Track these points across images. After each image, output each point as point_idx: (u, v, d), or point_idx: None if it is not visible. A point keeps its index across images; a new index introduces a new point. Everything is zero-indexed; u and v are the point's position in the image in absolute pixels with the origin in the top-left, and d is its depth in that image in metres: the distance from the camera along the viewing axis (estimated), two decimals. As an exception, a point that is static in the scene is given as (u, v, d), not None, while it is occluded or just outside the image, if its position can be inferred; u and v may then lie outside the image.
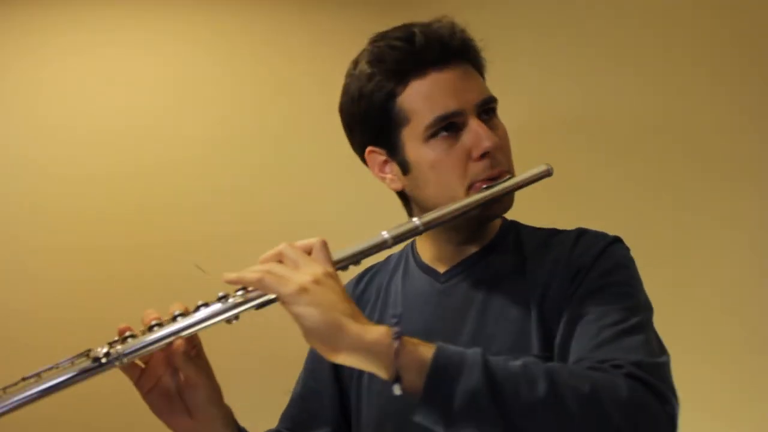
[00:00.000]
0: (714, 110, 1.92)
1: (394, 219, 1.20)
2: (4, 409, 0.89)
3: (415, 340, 0.82)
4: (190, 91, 1.94)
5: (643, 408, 0.82)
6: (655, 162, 1.92)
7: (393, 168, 1.06)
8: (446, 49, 1.02)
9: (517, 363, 0.83)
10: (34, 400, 0.87)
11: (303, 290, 0.81)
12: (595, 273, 0.97)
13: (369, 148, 1.08)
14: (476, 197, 0.99)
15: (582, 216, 1.83)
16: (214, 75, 1.96)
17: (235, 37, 1.98)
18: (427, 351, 0.81)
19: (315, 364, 1.15)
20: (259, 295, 0.85)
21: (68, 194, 1.85)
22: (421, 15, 1.94)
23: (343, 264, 0.91)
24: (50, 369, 0.87)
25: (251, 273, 0.85)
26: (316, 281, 0.82)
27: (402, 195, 1.11)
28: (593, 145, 1.94)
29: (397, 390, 0.80)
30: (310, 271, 0.83)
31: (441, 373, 0.79)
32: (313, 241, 0.88)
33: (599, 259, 0.98)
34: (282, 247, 0.87)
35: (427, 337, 0.85)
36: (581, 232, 1.04)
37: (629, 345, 0.88)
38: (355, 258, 0.92)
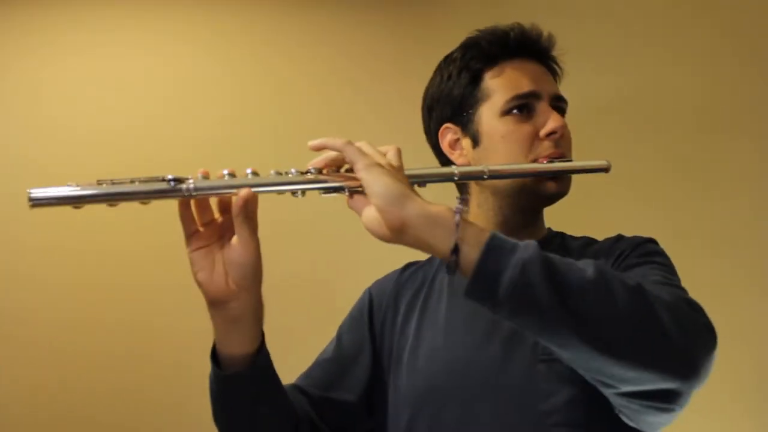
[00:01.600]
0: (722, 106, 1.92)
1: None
2: (65, 194, 0.89)
3: (476, 223, 0.87)
4: (190, 91, 1.94)
5: (686, 313, 0.84)
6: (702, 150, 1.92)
7: (463, 143, 1.15)
8: (535, 45, 1.16)
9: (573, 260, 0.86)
10: (97, 201, 0.87)
11: (378, 164, 0.87)
12: (635, 253, 1.03)
13: (445, 125, 1.17)
14: (538, 165, 1.09)
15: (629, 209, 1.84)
16: (214, 75, 1.96)
17: (235, 36, 1.99)
18: (486, 231, 0.84)
19: (353, 335, 1.18)
20: (330, 180, 0.92)
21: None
22: (425, 16, 1.96)
23: (411, 179, 0.93)
24: (124, 182, 0.87)
25: (336, 140, 0.91)
26: (390, 165, 0.89)
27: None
28: (643, 137, 1.94)
29: (450, 267, 0.82)
30: (384, 159, 0.90)
31: (497, 248, 0.82)
32: (390, 146, 0.93)
33: (638, 247, 1.05)
34: (362, 142, 0.92)
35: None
36: (620, 236, 1.12)
37: (672, 290, 0.90)
38: (422, 179, 0.97)
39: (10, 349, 1.78)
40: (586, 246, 1.11)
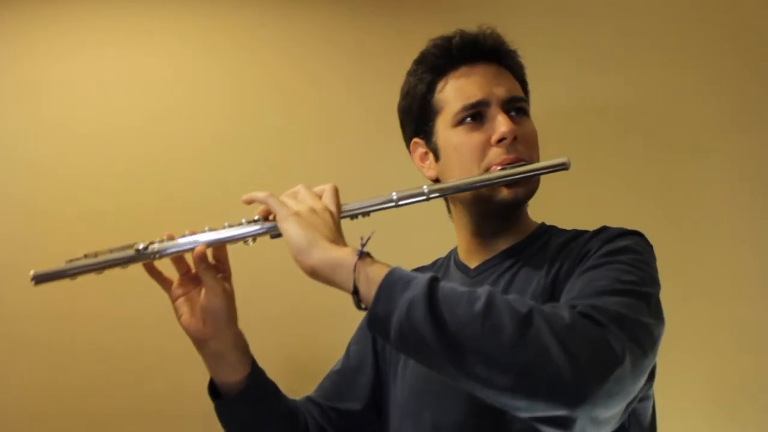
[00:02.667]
0: (713, 109, 1.92)
1: (394, 218, 1.22)
2: (62, 274, 1.04)
3: (377, 261, 0.91)
4: (190, 90, 1.94)
5: (581, 336, 0.81)
6: (655, 162, 1.92)
7: (429, 157, 1.17)
8: (478, 48, 1.15)
9: (472, 289, 0.86)
10: (87, 272, 1.03)
11: (296, 214, 0.96)
12: (599, 253, 1.01)
13: (414, 140, 1.20)
14: (485, 176, 1.08)
15: (596, 211, 1.85)
16: (214, 75, 1.96)
17: (237, 36, 1.98)
18: (383, 269, 0.89)
19: (359, 346, 1.25)
20: (271, 225, 1.01)
21: (69, 194, 1.85)
22: (424, 17, 1.96)
23: (350, 213, 1.04)
24: (104, 252, 1.04)
25: (261, 194, 1.02)
26: (312, 210, 0.97)
27: (436, 183, 1.18)
28: (610, 139, 1.94)
29: (354, 302, 0.89)
30: (310, 203, 0.98)
31: (390, 287, 0.86)
32: (326, 185, 1.03)
33: (607, 243, 1.02)
34: (298, 186, 1.02)
35: None
36: (603, 228, 1.09)
37: (604, 300, 0.88)
38: (362, 209, 1.04)
39: (10, 349, 1.78)
40: (566, 243, 1.09)
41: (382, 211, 1.06)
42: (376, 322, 0.86)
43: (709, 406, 1.81)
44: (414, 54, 1.21)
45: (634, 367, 0.84)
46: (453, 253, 1.24)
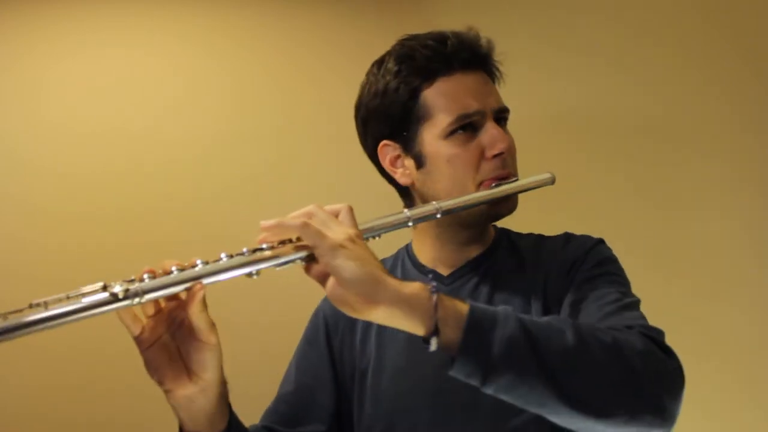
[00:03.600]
0: (712, 110, 1.92)
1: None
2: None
3: (448, 296, 0.83)
4: (190, 90, 1.94)
5: (658, 359, 0.86)
6: (653, 163, 1.92)
7: (405, 163, 1.11)
8: (475, 54, 1.09)
9: (543, 319, 0.87)
10: (35, 328, 0.81)
11: (340, 245, 0.81)
12: (588, 264, 1.04)
13: (383, 142, 1.13)
14: (489, 192, 1.06)
15: (578, 218, 1.85)
16: (214, 75, 1.96)
17: (236, 36, 1.98)
18: (463, 306, 0.82)
19: (311, 361, 1.16)
20: (285, 254, 0.84)
21: (69, 194, 1.84)
22: (423, 19, 1.96)
23: (366, 234, 0.91)
24: (56, 300, 0.79)
25: (293, 219, 0.84)
26: (351, 239, 0.83)
27: (405, 191, 1.15)
28: (590, 147, 1.94)
29: (434, 344, 0.80)
30: (342, 230, 0.84)
31: (478, 325, 0.81)
32: (340, 206, 0.89)
33: (590, 253, 1.06)
34: (311, 207, 0.86)
35: None
36: (569, 235, 1.12)
37: (631, 316, 0.95)
38: (378, 231, 0.94)
39: (10, 349, 1.77)
40: (535, 245, 1.11)
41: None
42: (468, 363, 0.80)
43: (709, 407, 1.81)
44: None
45: (683, 369, 0.91)
46: (404, 256, 1.20)
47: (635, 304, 0.99)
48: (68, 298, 0.77)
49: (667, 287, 1.82)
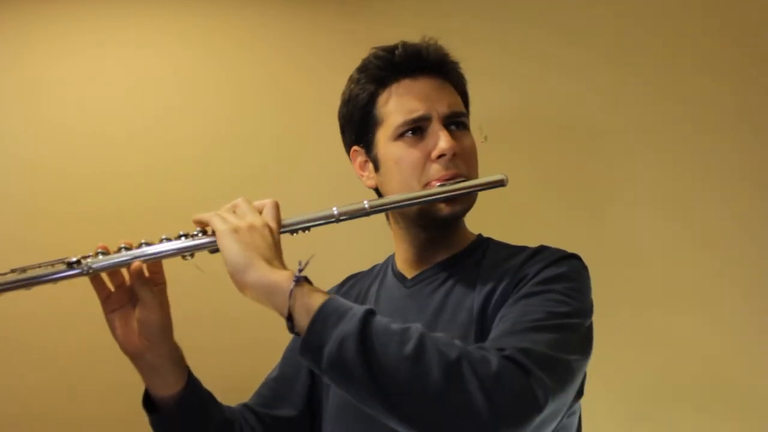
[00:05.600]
0: (703, 110, 1.92)
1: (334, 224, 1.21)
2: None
3: (314, 288, 0.90)
4: (190, 90, 1.94)
5: (507, 387, 0.83)
6: (642, 162, 1.92)
7: (369, 166, 1.17)
8: (421, 61, 1.14)
9: (403, 326, 0.87)
10: (13, 288, 0.98)
11: (234, 230, 0.94)
12: (535, 280, 1.02)
13: (353, 148, 1.20)
14: (424, 192, 1.08)
15: (574, 220, 1.85)
16: (214, 75, 1.96)
17: (236, 36, 1.99)
18: (319, 298, 0.88)
19: (294, 352, 1.21)
20: (208, 240, 0.99)
21: (69, 194, 1.85)
22: (422, 19, 1.96)
23: (290, 228, 1.02)
24: (34, 267, 0.98)
25: (206, 214, 1.00)
26: (251, 227, 0.95)
27: (376, 193, 1.21)
28: (580, 146, 1.94)
29: (288, 329, 0.88)
30: (249, 218, 0.97)
31: (324, 318, 0.86)
32: (266, 200, 1.02)
33: (545, 269, 1.03)
34: (238, 200, 1.01)
35: None
36: (541, 248, 1.10)
37: (532, 338, 0.91)
38: (303, 225, 1.03)
39: (10, 349, 1.78)
40: (503, 260, 1.10)
41: (330, 203, 1.07)
42: (308, 352, 0.86)
43: (709, 407, 1.81)
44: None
45: (556, 408, 0.89)
46: (391, 261, 1.25)
47: (561, 327, 0.94)
48: (39, 266, 0.98)
49: (663, 288, 1.82)
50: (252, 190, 1.89)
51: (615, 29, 1.94)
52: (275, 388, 1.24)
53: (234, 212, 0.99)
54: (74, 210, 1.84)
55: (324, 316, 0.86)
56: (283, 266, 0.93)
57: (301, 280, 0.89)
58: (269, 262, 0.92)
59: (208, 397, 1.11)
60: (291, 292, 0.88)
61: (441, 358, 0.83)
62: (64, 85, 1.89)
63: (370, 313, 0.87)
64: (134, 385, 1.81)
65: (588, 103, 1.93)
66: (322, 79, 1.98)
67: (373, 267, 1.31)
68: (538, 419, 0.85)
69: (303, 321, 0.87)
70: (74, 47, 1.91)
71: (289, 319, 0.88)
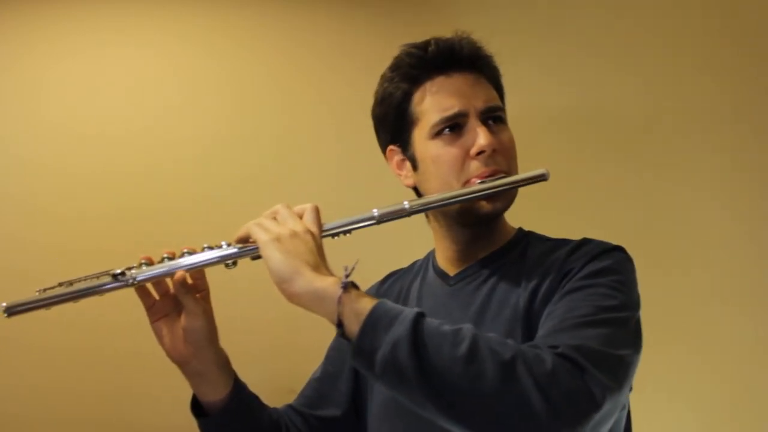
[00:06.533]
0: (707, 108, 1.92)
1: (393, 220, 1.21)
2: (35, 303, 1.01)
3: (362, 293, 0.90)
4: (190, 90, 1.94)
5: (563, 385, 0.82)
6: (651, 161, 1.92)
7: (407, 165, 1.16)
8: (455, 57, 1.12)
9: (454, 327, 0.86)
10: (62, 302, 1.01)
11: (277, 239, 0.94)
12: (581, 274, 1.01)
13: (390, 147, 1.18)
14: (465, 189, 1.07)
15: (579, 218, 1.85)
16: (214, 75, 1.96)
17: (236, 36, 1.98)
18: (368, 303, 0.88)
19: (337, 353, 1.24)
20: (252, 248, 1.00)
21: (69, 194, 1.85)
22: (425, 17, 1.96)
23: (331, 232, 1.02)
24: (80, 280, 1.02)
25: (246, 226, 0.99)
26: (293, 234, 0.94)
27: (415, 191, 1.19)
28: (591, 145, 1.94)
29: (339, 335, 0.88)
30: (290, 225, 0.96)
31: (374, 323, 0.86)
32: (306, 205, 1.01)
33: (590, 263, 1.02)
34: (278, 206, 1.01)
35: None
36: (584, 241, 1.09)
37: (583, 334, 0.90)
38: (344, 228, 1.03)
39: (10, 349, 1.78)
40: (546, 254, 1.09)
41: (331, 203, 1.09)
42: (360, 357, 0.86)
43: (708, 407, 1.82)
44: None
45: (612, 406, 0.87)
46: (431, 257, 1.24)
47: (610, 321, 0.93)
48: (85, 279, 1.02)
49: (664, 286, 1.82)
50: (252, 190, 1.91)
51: (667, 24, 1.95)
52: (319, 388, 1.24)
53: (275, 219, 0.99)
54: (74, 210, 1.84)
55: (374, 321, 0.86)
56: (329, 271, 0.93)
57: (349, 286, 0.89)
58: (315, 268, 0.92)
59: (255, 400, 1.12)
60: (339, 298, 0.87)
61: (495, 357, 0.82)
62: (64, 85, 1.89)
63: (420, 316, 0.86)
64: (134, 386, 1.82)
65: (640, 100, 1.93)
66: (322, 79, 1.98)
67: (413, 264, 1.29)
68: (596, 418, 0.84)
69: (353, 327, 0.87)
70: (74, 47, 1.91)
71: (339, 325, 0.88)
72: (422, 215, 1.20)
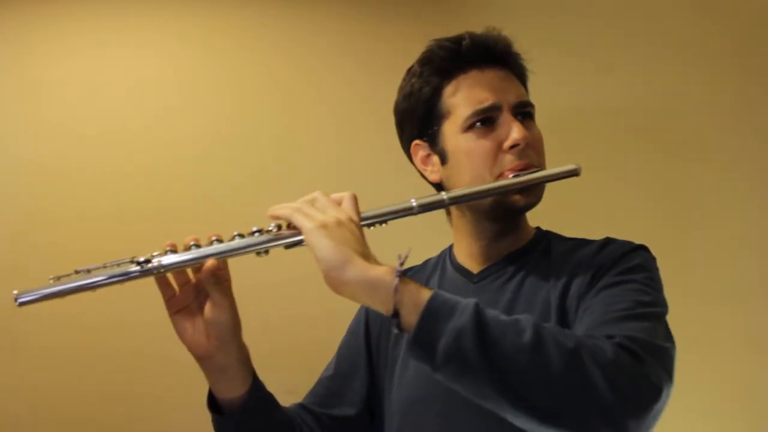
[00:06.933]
0: (719, 108, 1.92)
1: (392, 221, 1.21)
2: (50, 292, 0.96)
3: (417, 283, 0.88)
4: (191, 90, 1.94)
5: (626, 372, 0.83)
6: (664, 162, 1.92)
7: (433, 160, 1.15)
8: (489, 52, 1.13)
9: (511, 317, 0.86)
10: (79, 291, 0.95)
11: (323, 226, 0.90)
12: (614, 271, 1.02)
13: (415, 142, 1.17)
14: (501, 182, 1.07)
15: (597, 218, 1.85)
16: (214, 75, 1.96)
17: (236, 36, 1.98)
18: (425, 292, 0.86)
19: (350, 350, 1.23)
20: (289, 235, 0.96)
21: (69, 194, 1.85)
22: (425, 18, 1.96)
23: (369, 221, 0.99)
24: (99, 268, 0.95)
25: (285, 209, 0.95)
26: (338, 223, 0.91)
27: (439, 187, 1.18)
28: (607, 143, 1.94)
29: (393, 327, 0.86)
30: (334, 213, 0.92)
31: (434, 313, 0.84)
32: (344, 193, 0.97)
33: (620, 260, 1.03)
34: (316, 193, 0.96)
35: None
36: (608, 240, 1.10)
37: (630, 326, 0.90)
38: (382, 218, 1.01)
39: (10, 349, 1.78)
40: (571, 252, 1.10)
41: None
42: (419, 347, 0.84)
43: (715, 407, 1.81)
44: (415, 54, 1.20)
45: (666, 397, 0.88)
46: (447, 255, 1.23)
47: (649, 315, 0.94)
48: (105, 267, 0.95)
49: (677, 288, 1.82)
50: (252, 190, 1.91)
51: (699, 25, 1.96)
52: (331, 386, 1.22)
53: (315, 207, 0.95)
54: (74, 210, 1.84)
55: (435, 310, 0.84)
56: (377, 261, 0.91)
57: (402, 275, 0.87)
58: (365, 257, 0.89)
59: (272, 398, 1.10)
60: (396, 287, 0.85)
61: (560, 346, 0.82)
62: (64, 85, 1.89)
63: (478, 305, 0.86)
64: (134, 386, 1.82)
65: (676, 100, 1.94)
66: (322, 79, 1.98)
67: (426, 262, 1.28)
68: (657, 407, 0.85)
69: (411, 317, 0.84)
70: (74, 47, 1.91)
71: (395, 315, 0.85)
72: (442, 210, 1.19)
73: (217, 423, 1.06)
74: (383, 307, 0.86)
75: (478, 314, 0.84)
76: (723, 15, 1.95)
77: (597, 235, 1.14)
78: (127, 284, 1.89)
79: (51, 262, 1.81)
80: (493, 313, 0.86)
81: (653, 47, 1.96)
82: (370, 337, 1.22)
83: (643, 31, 1.97)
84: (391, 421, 1.14)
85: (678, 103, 1.94)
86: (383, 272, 0.87)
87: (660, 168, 1.92)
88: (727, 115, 1.92)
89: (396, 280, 0.85)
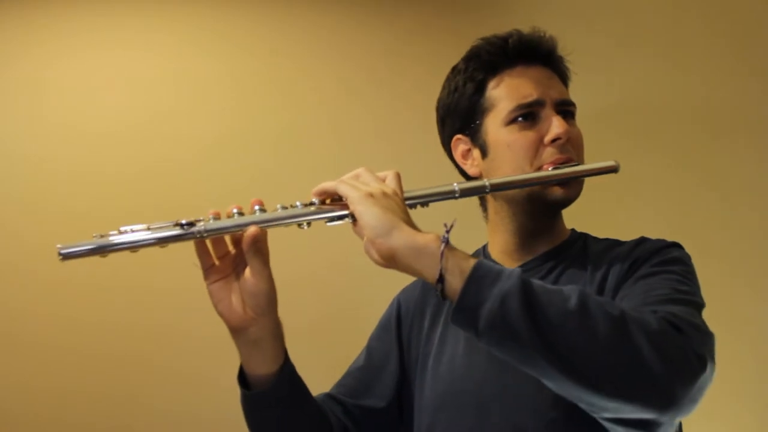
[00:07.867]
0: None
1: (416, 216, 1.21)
2: (92, 247, 0.97)
3: (463, 251, 0.89)
4: (191, 90, 1.94)
5: (672, 342, 0.83)
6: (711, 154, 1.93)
7: (473, 154, 1.16)
8: (535, 50, 1.15)
9: (559, 286, 0.86)
10: (120, 249, 0.95)
11: (369, 195, 0.92)
12: (651, 262, 1.02)
13: (456, 137, 1.19)
14: (542, 173, 1.09)
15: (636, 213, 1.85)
16: (215, 75, 1.96)
17: (237, 37, 1.99)
18: (471, 260, 0.87)
19: (382, 344, 1.23)
20: (333, 209, 0.96)
21: (69, 194, 1.85)
22: (421, 19, 1.96)
23: (411, 201, 0.99)
24: (142, 229, 0.94)
25: (329, 183, 0.97)
26: (383, 194, 0.93)
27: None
28: (640, 140, 1.95)
29: (437, 293, 0.86)
30: (378, 186, 0.94)
31: (480, 278, 0.84)
32: (389, 171, 0.99)
33: (657, 253, 1.04)
34: (360, 169, 0.99)
35: None
36: (643, 239, 1.10)
37: (671, 308, 0.90)
38: (423, 199, 1.01)
39: (10, 348, 1.78)
40: (607, 250, 1.10)
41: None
42: (462, 313, 0.84)
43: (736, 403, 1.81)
44: (414, 55, 1.20)
45: (711, 373, 0.87)
46: (481, 253, 1.24)
47: (688, 302, 0.94)
48: (149, 228, 0.93)
49: (726, 279, 1.83)
50: (252, 189, 1.89)
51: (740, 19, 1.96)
52: (361, 377, 1.21)
53: (360, 181, 0.96)
54: (74, 209, 1.84)
55: (480, 276, 0.84)
56: (419, 229, 0.91)
57: (448, 241, 0.87)
58: (410, 225, 0.90)
59: (302, 381, 1.07)
60: (442, 253, 0.85)
61: (606, 314, 0.82)
62: (65, 84, 1.89)
63: (523, 273, 0.86)
64: (135, 386, 1.82)
65: (713, 96, 1.94)
66: (322, 79, 1.98)
67: None
68: (703, 378, 0.84)
69: (456, 282, 0.85)
70: (74, 47, 1.91)
71: (440, 281, 0.85)
72: (479, 208, 1.21)
73: (245, 399, 1.03)
74: (429, 273, 0.86)
75: (523, 280, 0.84)
76: None
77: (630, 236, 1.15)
78: (127, 284, 1.90)
79: (51, 262, 1.82)
80: (537, 281, 0.86)
81: (662, 48, 1.96)
82: (402, 332, 1.22)
83: (684, 28, 1.97)
84: (421, 415, 1.14)
85: (688, 103, 1.94)
86: (430, 239, 0.88)
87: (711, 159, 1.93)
88: (736, 115, 1.92)
89: (442, 246, 0.86)
